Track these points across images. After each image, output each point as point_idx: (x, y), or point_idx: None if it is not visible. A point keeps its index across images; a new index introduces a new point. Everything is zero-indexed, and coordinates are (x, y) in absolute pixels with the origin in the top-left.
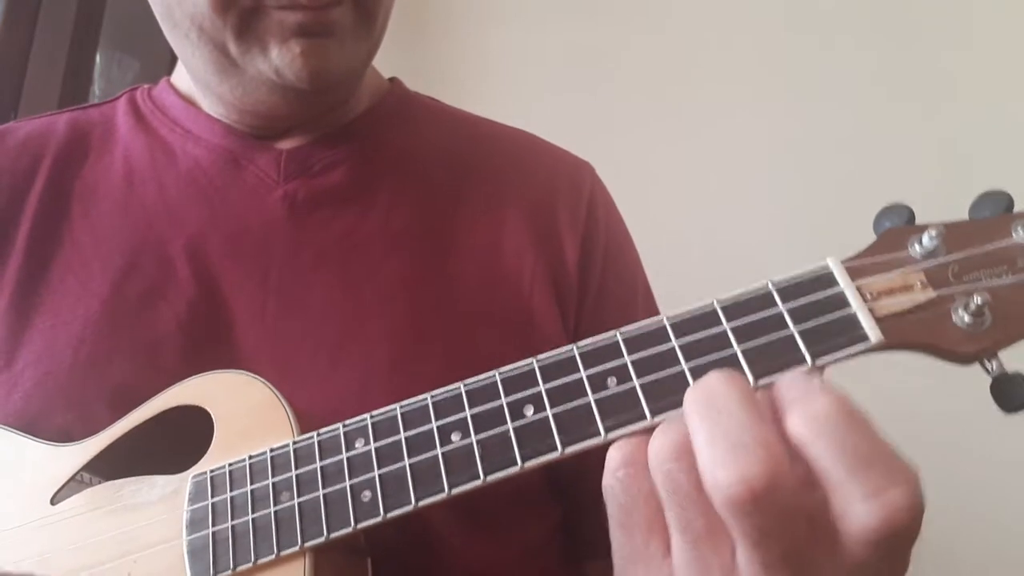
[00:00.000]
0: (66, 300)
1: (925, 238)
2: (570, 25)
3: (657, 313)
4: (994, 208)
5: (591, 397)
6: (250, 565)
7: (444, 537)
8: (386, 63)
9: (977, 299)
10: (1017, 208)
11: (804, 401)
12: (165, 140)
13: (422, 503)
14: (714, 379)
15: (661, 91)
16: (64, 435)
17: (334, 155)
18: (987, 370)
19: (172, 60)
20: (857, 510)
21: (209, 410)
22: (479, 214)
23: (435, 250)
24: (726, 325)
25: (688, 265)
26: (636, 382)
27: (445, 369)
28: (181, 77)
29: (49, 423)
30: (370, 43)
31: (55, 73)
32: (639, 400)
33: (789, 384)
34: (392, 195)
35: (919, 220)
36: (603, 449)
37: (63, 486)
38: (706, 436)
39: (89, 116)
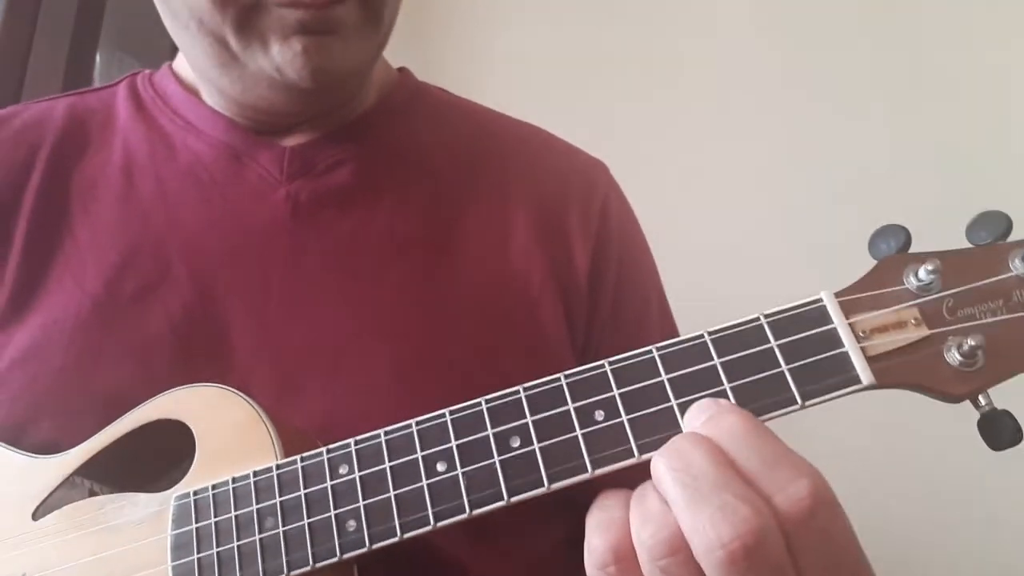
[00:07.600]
0: (60, 299)
1: (922, 272)
2: (573, 25)
3: (672, 327)
4: (992, 231)
5: (578, 431)
6: None
7: (447, 549)
8: (390, 61)
9: (970, 341)
10: (1017, 231)
11: (715, 420)
12: (165, 131)
13: (408, 535)
14: (680, 441)
15: (664, 91)
16: (52, 444)
17: (339, 153)
18: (976, 406)
19: (172, 59)
20: (777, 502)
21: (190, 426)
22: (487, 214)
23: (441, 253)
24: (716, 360)
25: (688, 265)
26: (624, 417)
27: (449, 377)
28: (183, 64)
29: (37, 429)
30: (377, 41)
31: (55, 73)
32: (627, 436)
33: (698, 410)
34: (398, 195)
35: (918, 231)
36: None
37: (44, 500)
38: (687, 503)
39: (88, 103)
